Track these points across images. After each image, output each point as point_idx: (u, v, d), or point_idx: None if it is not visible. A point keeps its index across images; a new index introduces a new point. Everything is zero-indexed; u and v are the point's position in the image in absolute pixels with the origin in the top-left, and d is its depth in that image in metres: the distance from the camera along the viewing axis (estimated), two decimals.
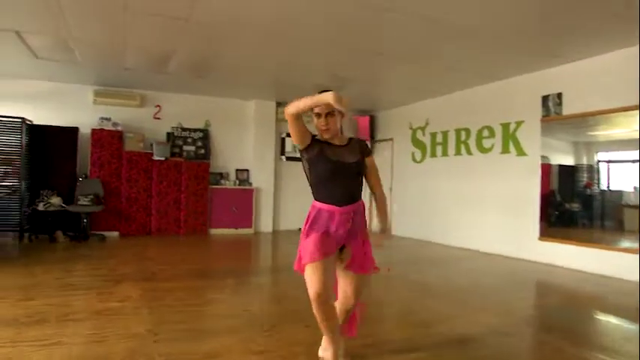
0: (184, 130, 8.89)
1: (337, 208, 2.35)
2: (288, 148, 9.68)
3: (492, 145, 7.08)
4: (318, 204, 2.40)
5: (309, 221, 2.39)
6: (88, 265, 5.34)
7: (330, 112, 2.35)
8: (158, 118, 8.71)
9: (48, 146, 7.35)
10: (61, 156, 7.45)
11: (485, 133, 7.21)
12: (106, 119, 7.89)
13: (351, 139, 2.53)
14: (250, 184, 9.27)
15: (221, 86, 8.24)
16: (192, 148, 8.93)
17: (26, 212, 6.97)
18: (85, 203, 7.13)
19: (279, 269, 5.70)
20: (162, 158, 8.20)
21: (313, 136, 2.44)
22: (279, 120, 9.28)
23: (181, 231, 8.31)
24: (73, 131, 7.56)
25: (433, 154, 8.41)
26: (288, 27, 5.09)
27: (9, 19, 5.10)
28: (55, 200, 7.02)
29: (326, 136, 2.43)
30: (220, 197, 8.84)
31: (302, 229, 2.44)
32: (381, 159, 9.95)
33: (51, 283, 4.31)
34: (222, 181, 9.09)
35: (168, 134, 8.75)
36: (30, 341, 2.78)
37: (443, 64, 6.30)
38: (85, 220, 7.30)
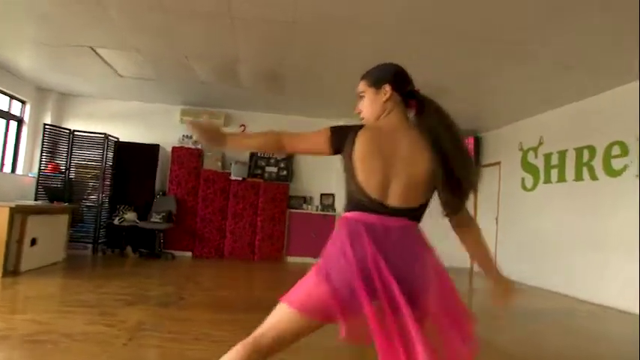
0: None
1: None
2: None
3: (625, 167, 5.37)
4: None
5: None
6: (123, 282, 5.03)
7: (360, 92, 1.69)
8: None
9: (130, 162, 7.53)
10: (141, 172, 7.57)
11: (616, 150, 5.52)
12: (188, 137, 7.91)
13: None
14: (335, 210, 8.53)
15: (307, 105, 7.75)
16: (275, 169, 8.53)
17: (102, 226, 7.12)
18: (156, 220, 7.08)
19: None
20: (240, 178, 7.92)
21: None
22: None
23: (255, 257, 7.84)
24: (154, 148, 7.66)
25: (547, 180, 6.79)
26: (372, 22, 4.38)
27: (82, 34, 5.23)
28: (130, 216, 7.07)
29: None
30: (299, 222, 8.23)
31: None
32: (486, 186, 8.51)
33: (61, 298, 4.04)
34: (305, 206, 8.50)
35: (252, 154, 8.49)
36: None
37: (561, 60, 4.92)
38: (161, 240, 7.28)
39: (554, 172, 6.64)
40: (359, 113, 1.66)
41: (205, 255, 7.68)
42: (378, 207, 1.45)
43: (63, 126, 7.58)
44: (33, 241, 5.18)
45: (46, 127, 6.93)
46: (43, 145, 6.85)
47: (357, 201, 1.48)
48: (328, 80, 6.33)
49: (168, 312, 3.88)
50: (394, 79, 1.60)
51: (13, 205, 4.86)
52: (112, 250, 7.16)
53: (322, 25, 4.51)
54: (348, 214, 1.53)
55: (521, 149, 7.50)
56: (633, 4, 3.57)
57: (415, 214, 1.50)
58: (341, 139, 1.51)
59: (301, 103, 7.64)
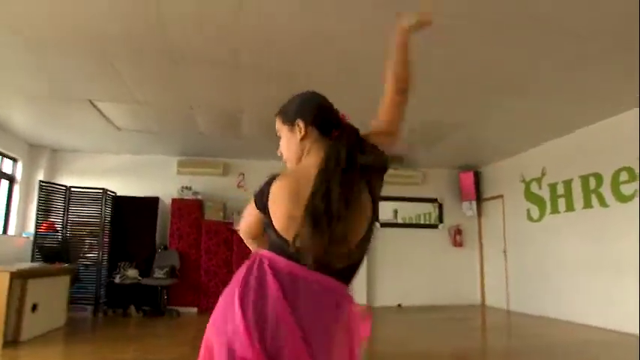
0: None
1: None
2: (384, 213, 8.60)
3: (635, 191, 5.39)
4: None
5: None
6: (131, 345, 4.70)
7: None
8: (241, 187, 8.38)
9: (129, 217, 7.29)
10: (141, 226, 7.32)
11: (624, 176, 5.55)
12: (187, 188, 7.74)
13: None
14: None
15: None
16: None
17: (103, 285, 6.78)
18: (159, 276, 6.78)
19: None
20: None
21: None
22: None
23: None
24: (153, 201, 7.46)
25: (555, 210, 6.78)
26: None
27: (80, 87, 5.13)
28: (131, 273, 6.77)
29: None
30: None
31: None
32: (490, 220, 8.48)
33: None
34: None
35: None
36: None
37: (560, 92, 5.01)
38: (165, 296, 6.93)
39: (561, 202, 6.63)
40: (281, 156, 1.42)
41: (212, 310, 7.32)
42: (302, 259, 1.18)
43: (56, 182, 7.36)
44: (34, 307, 4.86)
45: (42, 184, 6.70)
46: (38, 203, 6.59)
47: (279, 248, 1.23)
48: None
49: None
50: (306, 111, 1.34)
51: (13, 269, 4.57)
52: (113, 310, 6.79)
53: (330, 71, 4.52)
54: (262, 252, 1.25)
55: (522, 181, 7.52)
56: (628, 33, 3.66)
57: (345, 270, 1.23)
58: (262, 198, 1.28)
59: None
